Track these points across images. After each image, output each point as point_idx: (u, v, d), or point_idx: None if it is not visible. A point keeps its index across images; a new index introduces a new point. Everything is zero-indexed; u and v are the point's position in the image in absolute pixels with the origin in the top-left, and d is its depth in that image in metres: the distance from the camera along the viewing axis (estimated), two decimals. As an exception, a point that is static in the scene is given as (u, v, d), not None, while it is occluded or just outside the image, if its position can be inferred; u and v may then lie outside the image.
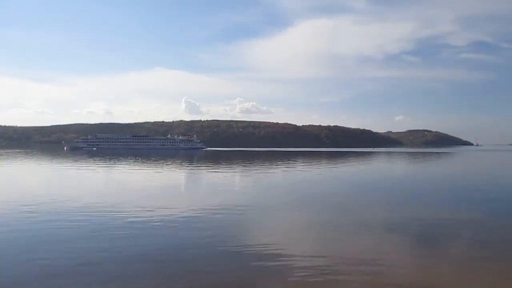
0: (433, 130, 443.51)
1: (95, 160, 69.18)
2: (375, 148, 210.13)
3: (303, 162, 69.74)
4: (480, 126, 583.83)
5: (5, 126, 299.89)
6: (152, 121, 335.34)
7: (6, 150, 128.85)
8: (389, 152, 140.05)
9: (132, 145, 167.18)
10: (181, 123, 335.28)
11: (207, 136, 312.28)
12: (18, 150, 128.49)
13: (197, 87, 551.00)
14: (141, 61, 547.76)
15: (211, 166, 57.23)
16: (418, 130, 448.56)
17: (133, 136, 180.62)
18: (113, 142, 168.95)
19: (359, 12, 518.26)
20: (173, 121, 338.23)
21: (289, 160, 77.13)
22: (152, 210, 18.63)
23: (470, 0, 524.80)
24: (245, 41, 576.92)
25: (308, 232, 15.32)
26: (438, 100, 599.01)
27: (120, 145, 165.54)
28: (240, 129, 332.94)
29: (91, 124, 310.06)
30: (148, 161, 68.81)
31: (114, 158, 76.84)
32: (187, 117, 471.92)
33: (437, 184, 35.43)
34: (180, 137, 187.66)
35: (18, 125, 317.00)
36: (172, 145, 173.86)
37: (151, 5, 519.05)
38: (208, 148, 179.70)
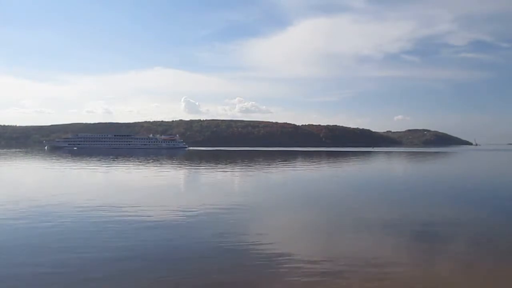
0: (432, 129, 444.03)
1: (67, 159, 69.24)
2: (374, 148, 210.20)
3: (285, 163, 69.72)
4: (479, 126, 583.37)
5: (4, 126, 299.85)
6: (151, 120, 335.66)
7: (5, 150, 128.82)
8: (388, 152, 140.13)
9: (114, 144, 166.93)
10: (180, 122, 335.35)
11: (207, 135, 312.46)
12: (17, 150, 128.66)
13: (197, 86, 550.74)
14: (140, 60, 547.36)
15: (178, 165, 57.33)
16: (417, 129, 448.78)
17: (115, 135, 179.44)
18: (94, 141, 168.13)
19: (358, 11, 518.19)
20: (172, 121, 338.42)
21: (271, 160, 77.15)
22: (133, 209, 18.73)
23: (469, 0, 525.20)
24: (244, 41, 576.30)
25: (308, 231, 15.38)
26: (438, 99, 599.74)
27: (102, 144, 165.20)
28: (240, 129, 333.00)
29: (90, 124, 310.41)
30: (117, 160, 68.81)
31: (87, 157, 77.70)
32: (187, 117, 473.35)
33: (436, 184, 35.52)
34: (162, 136, 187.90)
35: (18, 124, 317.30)
36: (154, 144, 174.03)
37: (150, 4, 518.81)
38: (191, 148, 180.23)
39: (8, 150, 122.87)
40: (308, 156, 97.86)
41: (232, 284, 9.55)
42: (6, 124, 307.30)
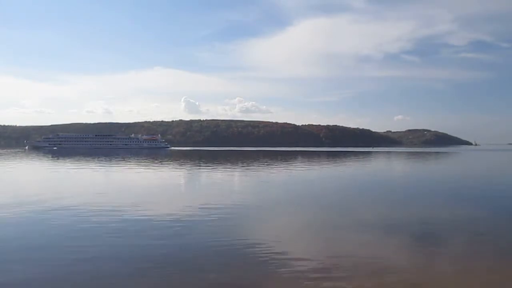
0: (432, 129, 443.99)
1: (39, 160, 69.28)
2: (374, 148, 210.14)
3: (284, 163, 69.58)
4: (479, 126, 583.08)
5: (4, 126, 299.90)
6: (151, 120, 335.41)
7: (6, 150, 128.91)
8: (388, 152, 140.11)
9: (95, 144, 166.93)
10: (180, 122, 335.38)
11: (207, 135, 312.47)
12: (18, 150, 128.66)
13: (197, 86, 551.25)
14: (140, 60, 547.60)
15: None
16: (417, 129, 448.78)
17: (96, 135, 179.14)
18: (75, 141, 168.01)
19: (358, 11, 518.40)
20: (172, 121, 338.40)
21: (261, 160, 76.95)
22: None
23: (469, 0, 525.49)
24: (244, 41, 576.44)
25: (307, 231, 15.32)
26: (437, 99, 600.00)
27: (83, 144, 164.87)
28: (240, 129, 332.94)
29: (90, 124, 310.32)
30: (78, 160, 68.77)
31: (61, 157, 77.88)
32: (187, 117, 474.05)
33: (436, 184, 35.47)
34: (144, 136, 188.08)
35: (17, 124, 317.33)
36: (136, 144, 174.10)
37: (150, 4, 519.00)
38: (173, 148, 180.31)
39: (8, 150, 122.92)
40: (308, 156, 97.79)
41: (232, 284, 9.49)
42: (6, 124, 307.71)
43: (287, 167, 55.74)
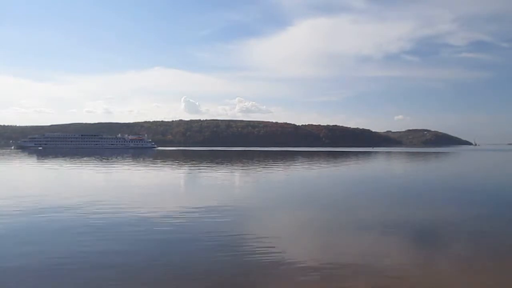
0: (432, 129, 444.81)
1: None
2: (374, 148, 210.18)
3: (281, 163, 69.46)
4: (479, 126, 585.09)
5: (4, 126, 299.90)
6: (151, 120, 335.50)
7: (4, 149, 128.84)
8: (388, 152, 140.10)
9: (81, 144, 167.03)
10: (180, 122, 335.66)
11: (207, 135, 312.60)
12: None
13: (197, 86, 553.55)
14: (140, 60, 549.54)
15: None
16: (417, 129, 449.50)
17: (81, 135, 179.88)
18: (61, 141, 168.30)
19: (359, 11, 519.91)
20: (172, 121, 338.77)
21: (251, 160, 76.75)
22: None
23: (469, 0, 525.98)
24: (244, 40, 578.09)
25: (307, 231, 15.27)
26: (438, 99, 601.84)
27: (69, 144, 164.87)
28: (239, 129, 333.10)
29: (90, 124, 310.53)
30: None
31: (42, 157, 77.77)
32: (187, 117, 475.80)
33: (436, 184, 35.43)
34: (130, 136, 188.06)
35: (17, 124, 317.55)
36: (122, 144, 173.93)
37: (150, 4, 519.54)
38: (159, 148, 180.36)
39: (6, 150, 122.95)
40: (308, 156, 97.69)
41: (232, 285, 9.46)
42: (6, 124, 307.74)
43: (287, 167, 55.67)
